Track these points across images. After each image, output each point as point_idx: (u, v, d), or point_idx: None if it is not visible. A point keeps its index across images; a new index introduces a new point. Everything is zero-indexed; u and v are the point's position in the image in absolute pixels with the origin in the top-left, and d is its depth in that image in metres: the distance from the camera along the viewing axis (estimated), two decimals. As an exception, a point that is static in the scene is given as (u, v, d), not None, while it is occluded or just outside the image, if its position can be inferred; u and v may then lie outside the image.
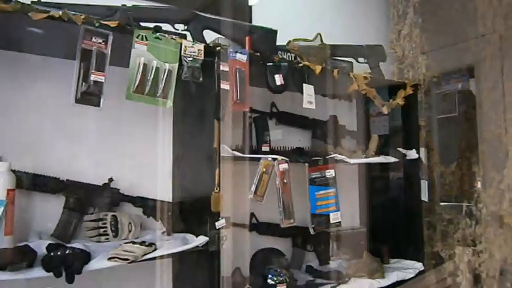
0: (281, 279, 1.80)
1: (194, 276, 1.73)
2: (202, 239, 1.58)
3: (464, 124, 2.35)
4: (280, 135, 2.18)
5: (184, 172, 1.83)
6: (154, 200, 1.79)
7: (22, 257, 1.29)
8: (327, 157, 1.96)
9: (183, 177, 1.84)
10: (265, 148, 1.90)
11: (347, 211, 2.28)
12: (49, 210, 1.65)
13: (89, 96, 1.39)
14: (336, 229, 2.10)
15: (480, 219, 2.22)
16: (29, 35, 1.46)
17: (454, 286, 2.29)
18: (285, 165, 1.77)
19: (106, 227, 1.66)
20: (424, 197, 2.32)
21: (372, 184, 2.53)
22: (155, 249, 1.51)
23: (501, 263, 2.13)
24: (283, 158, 1.79)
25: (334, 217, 1.90)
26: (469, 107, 2.33)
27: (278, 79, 1.76)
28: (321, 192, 1.89)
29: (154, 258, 1.51)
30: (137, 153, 1.86)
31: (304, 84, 1.85)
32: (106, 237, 1.66)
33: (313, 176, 1.89)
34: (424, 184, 2.33)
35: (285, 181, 1.75)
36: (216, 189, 1.58)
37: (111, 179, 1.74)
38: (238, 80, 1.64)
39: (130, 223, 1.71)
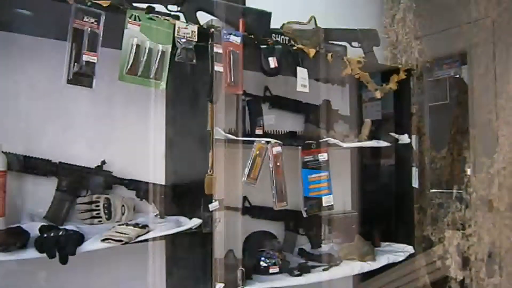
0: (273, 261, 1.82)
1: (187, 258, 1.74)
2: (195, 221, 1.59)
3: (456, 110, 2.37)
4: (274, 119, 2.18)
5: (177, 155, 1.83)
6: (147, 183, 1.79)
7: (15, 238, 1.29)
8: (320, 140, 1.96)
9: (176, 159, 1.84)
10: (258, 131, 1.89)
11: (339, 196, 2.30)
12: (41, 193, 1.64)
13: (81, 76, 1.38)
14: (328, 212, 2.12)
15: (469, 204, 2.25)
16: (19, 14, 1.43)
17: (444, 268, 2.32)
18: (278, 148, 1.77)
19: (99, 209, 1.66)
20: (415, 183, 2.34)
21: (364, 169, 2.55)
22: (148, 231, 1.52)
23: (489, 246, 2.16)
24: (277, 141, 1.79)
25: (326, 200, 1.91)
26: (461, 94, 2.34)
27: (272, 62, 1.75)
28: (314, 175, 1.90)
29: (147, 240, 1.52)
30: (130, 136, 1.85)
31: (298, 67, 1.84)
32: (99, 219, 1.66)
33: (306, 160, 1.89)
34: (415, 171, 2.35)
35: (278, 164, 1.75)
36: (210, 171, 1.58)
37: (103, 162, 1.74)
38: (231, 62, 1.63)
39: (123, 205, 1.71)
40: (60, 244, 1.32)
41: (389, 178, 2.47)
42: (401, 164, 2.39)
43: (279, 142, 1.80)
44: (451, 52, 2.37)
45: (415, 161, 2.37)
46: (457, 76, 2.35)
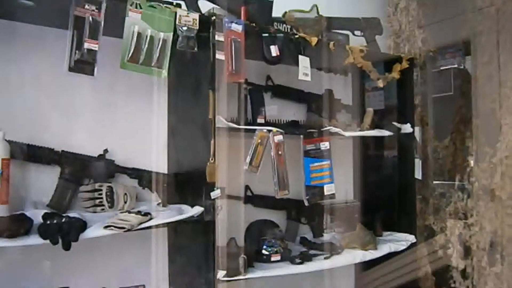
0: (275, 249, 1.83)
1: (189, 246, 1.75)
2: (197, 209, 1.60)
3: (459, 100, 2.35)
4: (276, 109, 2.18)
5: (179, 144, 1.84)
6: (149, 172, 1.81)
7: (18, 225, 1.30)
8: (322, 129, 1.96)
9: (178, 148, 1.85)
10: (260, 120, 1.90)
11: (341, 185, 2.30)
12: (44, 181, 1.65)
13: (83, 64, 1.38)
14: (330, 201, 2.13)
15: (472, 193, 2.24)
16: (21, 3, 1.43)
17: (445, 258, 2.33)
18: (280, 137, 1.77)
19: (101, 197, 1.67)
20: (418, 175, 2.34)
21: (366, 158, 2.55)
22: (150, 219, 1.53)
23: (491, 235, 2.16)
24: (278, 129, 1.79)
25: (328, 189, 1.92)
26: (464, 84, 2.33)
27: (274, 50, 1.75)
28: (316, 164, 1.90)
29: (150, 227, 1.53)
30: (132, 125, 1.85)
31: (299, 56, 1.84)
32: (102, 207, 1.67)
33: (308, 148, 1.90)
34: (418, 162, 2.34)
35: (280, 152, 1.76)
36: (211, 159, 1.59)
37: (106, 151, 1.75)
38: (233, 51, 1.63)
39: (125, 194, 1.71)
40: (63, 230, 1.33)
41: (391, 168, 2.46)
42: (404, 154, 2.39)
43: (281, 130, 1.80)
44: (454, 41, 2.35)
45: (418, 152, 2.37)
46: (462, 67, 2.34)
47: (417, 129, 2.36)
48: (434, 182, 2.41)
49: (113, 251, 1.77)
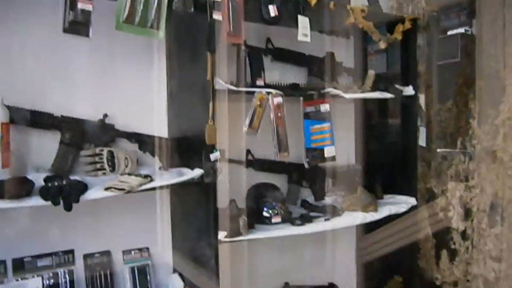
0: (276, 211, 1.85)
1: (192, 209, 1.78)
2: (197, 172, 1.61)
3: (463, 61, 2.31)
4: (276, 72, 2.15)
5: (179, 107, 1.83)
6: (150, 136, 1.80)
7: (20, 187, 1.32)
8: (322, 91, 1.94)
9: (178, 112, 1.84)
10: (259, 82, 1.88)
11: (342, 149, 2.30)
12: (46, 147, 1.66)
13: (77, 25, 1.37)
14: (331, 164, 2.13)
15: (473, 155, 2.24)
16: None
17: (446, 220, 2.34)
18: (279, 99, 1.76)
19: (102, 162, 1.68)
20: (422, 142, 2.33)
21: (368, 122, 2.53)
22: (151, 180, 1.54)
23: (491, 197, 2.17)
24: (277, 91, 1.77)
25: (328, 151, 1.92)
26: (469, 45, 2.28)
27: (272, 10, 1.71)
28: (316, 126, 1.89)
29: (153, 189, 1.54)
30: (131, 89, 1.84)
31: (299, 16, 1.80)
32: (103, 171, 1.68)
33: (308, 110, 1.88)
34: (422, 130, 2.33)
35: (279, 115, 1.75)
36: (210, 121, 1.58)
37: (105, 115, 1.74)
38: (231, 11, 1.60)
39: (126, 158, 1.72)
40: (63, 192, 1.35)
41: (393, 132, 2.46)
42: (406, 117, 2.38)
43: (280, 92, 1.78)
44: (459, 0, 2.28)
45: (420, 117, 2.35)
46: (468, 32, 2.28)
47: (421, 96, 2.33)
48: (436, 148, 2.40)
49: (117, 215, 1.80)
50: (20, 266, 1.60)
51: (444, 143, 2.35)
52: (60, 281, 1.66)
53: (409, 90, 2.25)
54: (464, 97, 2.29)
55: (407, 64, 2.34)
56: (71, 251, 1.72)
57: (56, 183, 1.37)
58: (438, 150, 2.38)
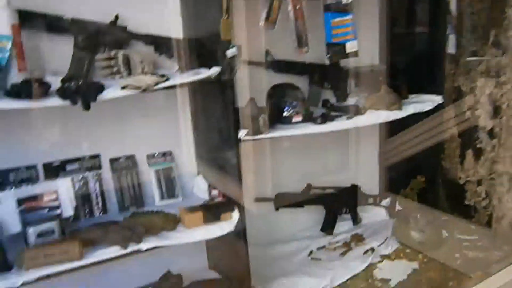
0: (297, 110, 1.81)
1: (212, 109, 1.75)
2: (214, 70, 1.56)
3: None
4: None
5: (193, 4, 1.73)
6: (164, 37, 1.74)
7: (36, 86, 1.31)
8: (344, -21, 1.80)
9: (192, 10, 1.75)
10: (276, -28, 1.74)
11: (366, 49, 2.19)
12: (61, 52, 1.62)
13: None
14: (354, 64, 2.04)
15: (507, 49, 2.10)
16: None
17: (473, 118, 2.28)
18: (298, -11, 1.64)
19: (119, 65, 1.64)
20: (452, 49, 2.20)
21: (394, 19, 2.38)
22: (167, 79, 1.51)
23: (523, 91, 2.07)
24: (296, -19, 1.65)
25: (350, 46, 1.82)
26: None
27: None
28: (337, 19, 1.77)
29: (172, 90, 1.50)
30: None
31: None
32: (120, 75, 1.65)
33: (329, 2, 1.76)
34: (452, 38, 2.19)
35: (297, 7, 1.64)
36: (225, 16, 1.50)
37: (117, 17, 1.67)
38: None
39: (142, 61, 1.68)
40: (81, 91, 1.34)
41: (420, 28, 2.31)
42: (434, 12, 2.21)
43: (299, -18, 1.66)
44: None
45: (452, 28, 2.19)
46: None
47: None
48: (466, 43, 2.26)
49: (139, 120, 1.80)
50: (50, 170, 1.66)
51: (475, 36, 2.20)
52: (89, 183, 1.72)
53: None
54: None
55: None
56: (97, 156, 1.75)
57: (73, 84, 1.36)
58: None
